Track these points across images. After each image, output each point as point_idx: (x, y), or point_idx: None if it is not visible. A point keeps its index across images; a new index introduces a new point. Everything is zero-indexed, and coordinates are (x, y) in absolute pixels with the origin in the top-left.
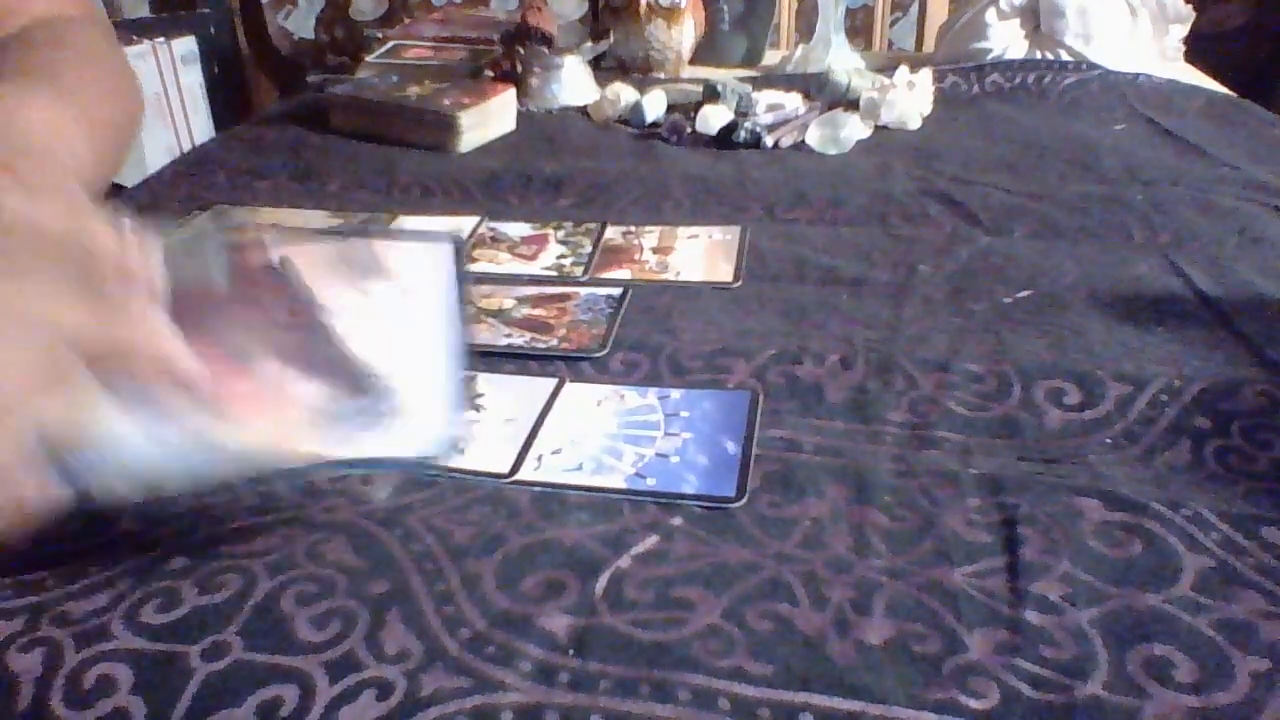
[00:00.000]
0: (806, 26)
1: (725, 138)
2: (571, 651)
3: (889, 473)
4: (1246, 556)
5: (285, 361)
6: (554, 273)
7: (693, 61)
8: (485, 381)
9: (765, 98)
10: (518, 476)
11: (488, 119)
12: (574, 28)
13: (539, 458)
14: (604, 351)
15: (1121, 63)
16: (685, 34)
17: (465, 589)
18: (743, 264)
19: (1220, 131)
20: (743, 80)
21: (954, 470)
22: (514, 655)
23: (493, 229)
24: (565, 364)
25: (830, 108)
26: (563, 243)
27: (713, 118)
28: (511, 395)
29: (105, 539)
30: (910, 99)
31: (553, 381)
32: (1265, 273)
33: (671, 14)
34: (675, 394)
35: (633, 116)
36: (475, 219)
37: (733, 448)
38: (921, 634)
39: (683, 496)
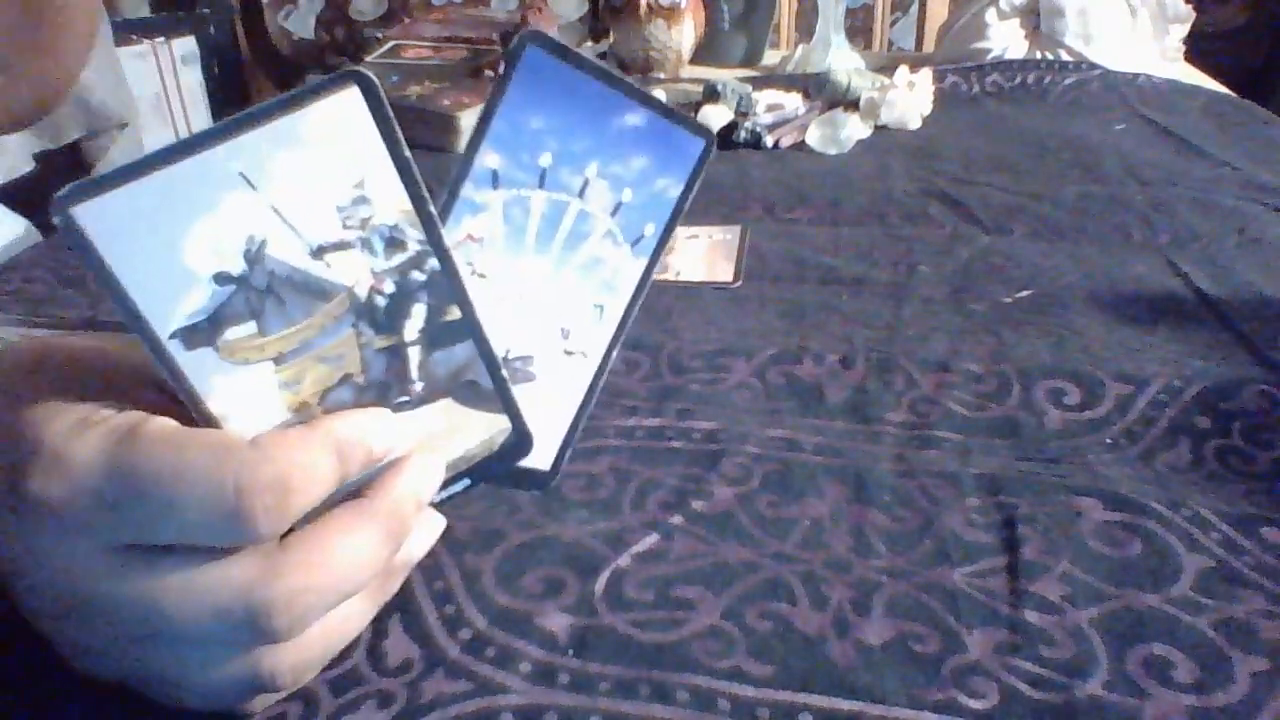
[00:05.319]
0: (806, 26)
1: (725, 138)
2: (571, 652)
3: (889, 473)
4: (1246, 556)
5: None
6: None
7: (693, 61)
8: None
9: (765, 98)
10: None
11: None
12: (574, 28)
13: None
14: None
15: (1121, 63)
16: (685, 34)
17: (465, 586)
18: (743, 264)
19: (1220, 131)
20: (743, 80)
21: (954, 470)
22: (514, 656)
23: None
24: None
25: (830, 108)
26: None
27: (713, 118)
28: None
29: None
30: (910, 99)
31: None
32: (1265, 273)
33: (671, 14)
34: None
35: None
36: None
37: None
38: (921, 634)
39: None
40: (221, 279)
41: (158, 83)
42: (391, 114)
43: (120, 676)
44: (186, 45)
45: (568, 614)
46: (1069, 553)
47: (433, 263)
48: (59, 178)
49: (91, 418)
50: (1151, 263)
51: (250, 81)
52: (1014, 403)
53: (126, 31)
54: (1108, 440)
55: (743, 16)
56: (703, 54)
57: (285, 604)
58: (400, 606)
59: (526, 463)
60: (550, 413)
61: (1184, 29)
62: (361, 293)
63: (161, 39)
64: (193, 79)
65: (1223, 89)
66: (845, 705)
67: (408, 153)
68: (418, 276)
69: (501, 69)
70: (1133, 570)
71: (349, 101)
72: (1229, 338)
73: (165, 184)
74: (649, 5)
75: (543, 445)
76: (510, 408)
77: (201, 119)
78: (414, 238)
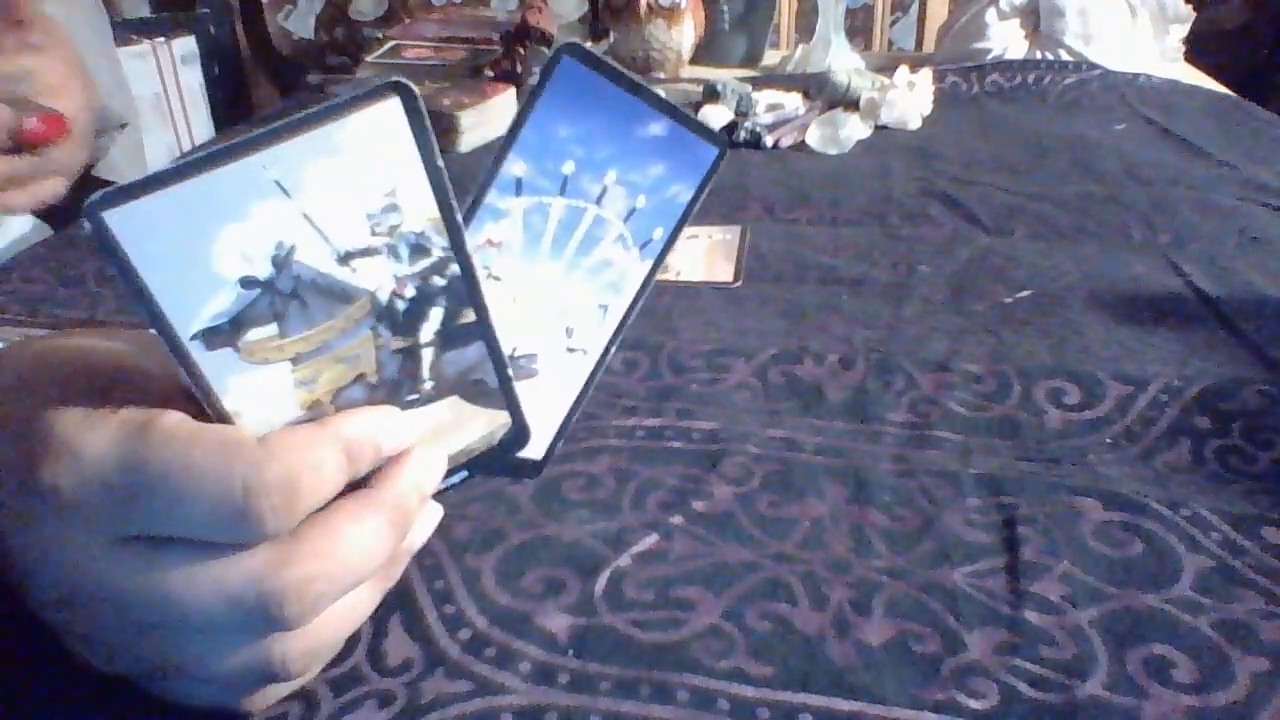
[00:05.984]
0: (806, 26)
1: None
2: (571, 652)
3: (889, 473)
4: (1246, 556)
5: None
6: None
7: (693, 61)
8: None
9: (765, 98)
10: None
11: (488, 119)
12: (574, 28)
13: None
14: None
15: (1121, 63)
16: (685, 34)
17: (465, 586)
18: (743, 264)
19: (1220, 131)
20: (743, 80)
21: (954, 470)
22: (514, 656)
23: None
24: None
25: (830, 108)
26: None
27: (713, 118)
28: None
29: None
30: (910, 99)
31: None
32: (1265, 273)
33: (671, 14)
34: None
35: None
36: None
37: None
38: (921, 634)
39: None
40: (248, 283)
41: (158, 83)
42: (429, 125)
43: (129, 670)
44: (186, 45)
45: (568, 614)
46: (1069, 553)
47: (453, 268)
48: None
49: (104, 410)
50: (1151, 263)
51: (250, 81)
52: (1014, 403)
53: (126, 31)
54: (1108, 440)
55: (743, 16)
56: (703, 54)
57: (297, 592)
58: (400, 606)
59: (520, 453)
60: (547, 405)
61: (1184, 29)
62: (383, 297)
63: (161, 39)
64: (193, 79)
65: (1223, 89)
66: (845, 705)
67: (441, 163)
68: (438, 282)
69: (536, 79)
70: (1133, 570)
71: (389, 112)
72: (1229, 338)
73: (200, 190)
74: (649, 5)
75: (537, 436)
76: (513, 405)
77: (201, 119)
78: (439, 244)
